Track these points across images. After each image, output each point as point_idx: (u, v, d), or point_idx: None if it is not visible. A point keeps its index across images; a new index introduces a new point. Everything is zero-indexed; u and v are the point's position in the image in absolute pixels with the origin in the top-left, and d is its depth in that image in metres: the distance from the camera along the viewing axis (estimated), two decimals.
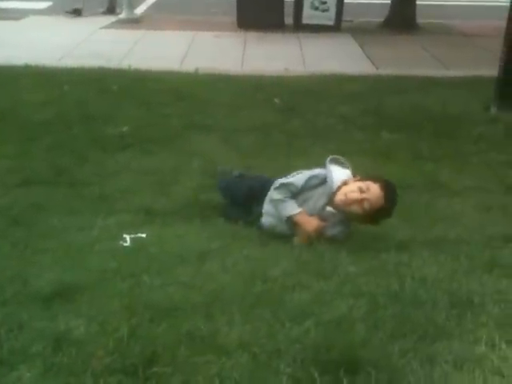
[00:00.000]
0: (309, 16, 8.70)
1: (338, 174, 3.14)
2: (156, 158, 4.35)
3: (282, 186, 3.11)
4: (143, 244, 2.91)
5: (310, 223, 3.01)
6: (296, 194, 3.10)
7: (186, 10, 9.88)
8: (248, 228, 3.31)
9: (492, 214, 3.69)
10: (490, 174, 4.32)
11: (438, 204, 3.83)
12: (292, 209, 3.04)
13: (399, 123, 5.21)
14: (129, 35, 8.20)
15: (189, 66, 6.78)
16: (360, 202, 2.97)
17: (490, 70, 5.78)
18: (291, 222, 3.04)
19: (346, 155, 4.50)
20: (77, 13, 9.23)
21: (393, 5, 9.01)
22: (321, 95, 5.94)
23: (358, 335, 2.02)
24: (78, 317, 2.10)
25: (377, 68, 7.22)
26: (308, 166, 4.22)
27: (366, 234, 3.27)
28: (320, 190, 3.12)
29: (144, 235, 3.01)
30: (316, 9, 8.66)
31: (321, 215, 3.08)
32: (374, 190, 2.97)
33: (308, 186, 3.13)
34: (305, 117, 5.33)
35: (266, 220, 3.18)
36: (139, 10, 10.03)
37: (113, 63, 6.70)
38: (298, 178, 3.15)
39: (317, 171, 3.20)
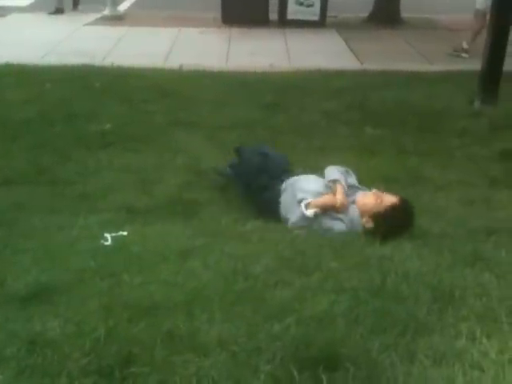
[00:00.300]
0: (293, 11, 8.67)
1: None
2: (139, 155, 4.32)
3: (347, 170, 3.58)
4: (124, 243, 2.87)
5: (344, 195, 3.35)
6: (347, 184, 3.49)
7: (171, 7, 9.79)
8: (231, 226, 3.29)
9: (475, 207, 3.71)
10: (473, 168, 4.33)
11: (422, 198, 3.83)
12: (342, 180, 3.43)
13: (383, 118, 5.20)
14: (112, 32, 8.13)
15: (173, 63, 6.74)
16: (375, 196, 3.28)
17: (474, 64, 5.79)
18: (332, 185, 3.40)
19: (330, 151, 4.55)
20: (59, 11, 9.15)
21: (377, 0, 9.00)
22: (306, 91, 5.92)
23: (339, 331, 2.00)
24: (54, 317, 2.06)
25: (361, 63, 7.21)
26: (292, 162, 4.26)
27: None
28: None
29: (125, 233, 2.98)
30: (301, 4, 8.63)
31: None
32: (390, 197, 3.28)
33: (356, 187, 3.52)
34: (289, 113, 5.31)
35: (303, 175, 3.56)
36: (123, 7, 9.94)
37: (96, 60, 6.64)
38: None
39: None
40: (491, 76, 5.39)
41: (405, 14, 9.14)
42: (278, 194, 3.52)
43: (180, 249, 2.81)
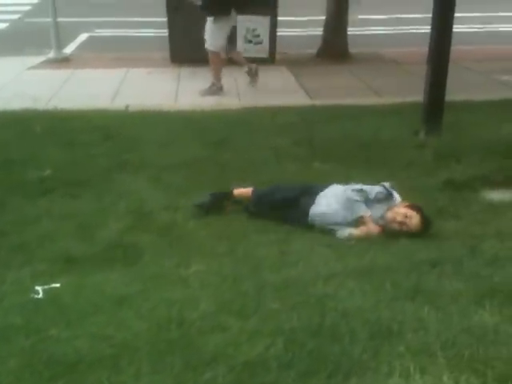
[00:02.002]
0: (242, 49, 8.73)
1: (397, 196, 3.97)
2: (80, 201, 4.20)
3: (361, 191, 3.88)
4: (57, 295, 2.78)
5: (375, 227, 3.80)
6: (366, 200, 3.86)
7: (119, 48, 9.76)
8: (173, 270, 3.21)
9: (422, 238, 3.69)
10: (420, 199, 4.31)
11: None
12: (365, 211, 3.82)
13: (332, 153, 5.20)
14: (58, 75, 7.98)
15: (120, 104, 6.66)
16: (401, 224, 3.71)
17: (420, 95, 5.88)
18: (360, 220, 3.80)
19: None
20: None
21: (325, 36, 9.14)
22: (254, 127, 5.91)
23: (270, 376, 1.94)
24: None
25: (311, 98, 7.27)
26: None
27: (294, 267, 3.21)
28: (384, 204, 3.86)
29: (58, 285, 2.87)
30: (249, 42, 8.67)
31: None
32: (415, 220, 3.72)
33: (375, 198, 3.88)
34: (237, 150, 5.28)
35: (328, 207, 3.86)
36: (69, 49, 9.82)
37: (40, 104, 6.50)
38: (372, 189, 3.91)
39: (380, 188, 3.93)
40: (433, 107, 5.47)
41: (352, 48, 9.30)
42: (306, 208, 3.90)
43: (115, 297, 2.72)
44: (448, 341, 2.19)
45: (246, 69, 7.47)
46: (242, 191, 4.20)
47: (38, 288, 2.80)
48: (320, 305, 2.65)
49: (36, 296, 2.75)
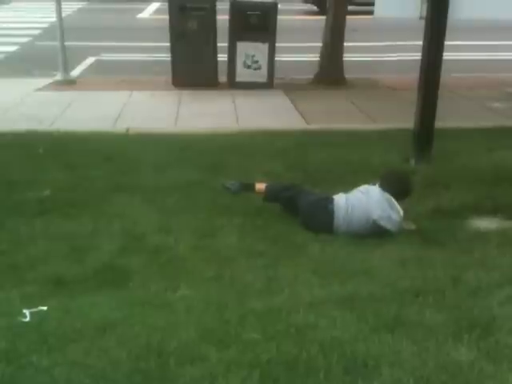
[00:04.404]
0: (242, 74, 8.88)
1: None
2: (76, 222, 4.26)
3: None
4: (43, 319, 2.83)
5: None
6: None
7: (124, 71, 9.93)
8: (161, 294, 3.26)
9: (407, 267, 3.73)
10: None
11: (357, 258, 3.84)
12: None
13: (323, 177, 5.24)
14: (63, 97, 8.10)
15: (122, 127, 6.77)
16: None
17: (413, 122, 5.95)
18: None
19: (266, 212, 4.58)
20: None
21: (321, 61, 9.27)
22: (249, 151, 5.97)
23: None
24: None
25: (308, 123, 7.35)
26: (230, 223, 4.27)
27: (279, 294, 3.26)
28: None
29: (45, 308, 2.93)
30: (248, 67, 8.87)
31: None
32: None
33: None
34: (230, 174, 5.33)
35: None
36: (76, 72, 9.98)
37: (44, 126, 6.62)
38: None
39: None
40: (424, 134, 5.53)
41: (348, 74, 9.42)
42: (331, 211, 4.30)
43: (99, 323, 2.77)
44: (423, 377, 2.22)
45: None
46: (260, 188, 4.60)
47: (26, 311, 2.84)
48: (300, 335, 2.69)
49: (23, 319, 2.80)
